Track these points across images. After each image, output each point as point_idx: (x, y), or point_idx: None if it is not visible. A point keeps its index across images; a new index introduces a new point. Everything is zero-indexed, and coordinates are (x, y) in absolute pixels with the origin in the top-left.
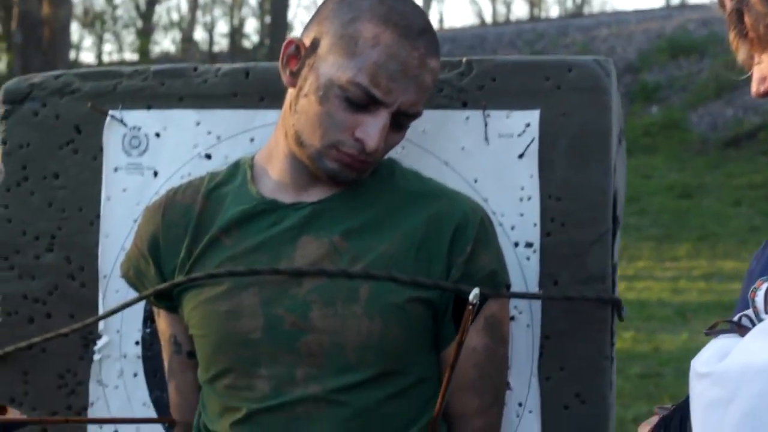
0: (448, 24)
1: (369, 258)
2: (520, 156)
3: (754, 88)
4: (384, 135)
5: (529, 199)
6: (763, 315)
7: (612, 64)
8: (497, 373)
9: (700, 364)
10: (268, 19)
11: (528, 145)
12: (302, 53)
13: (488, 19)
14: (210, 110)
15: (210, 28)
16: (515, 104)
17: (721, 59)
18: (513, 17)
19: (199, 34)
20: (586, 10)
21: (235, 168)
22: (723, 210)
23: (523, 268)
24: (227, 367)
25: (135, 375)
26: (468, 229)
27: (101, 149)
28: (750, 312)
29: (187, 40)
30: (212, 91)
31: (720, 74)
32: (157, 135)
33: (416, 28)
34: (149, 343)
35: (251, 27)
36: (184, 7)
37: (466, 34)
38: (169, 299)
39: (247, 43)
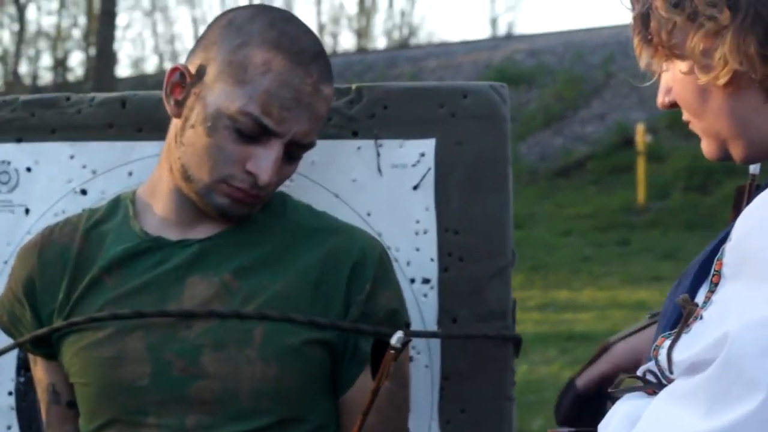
0: None
1: (262, 298)
2: (415, 187)
3: (660, 99)
4: (277, 167)
5: (425, 232)
6: (668, 374)
7: (507, 90)
8: (398, 417)
9: None
10: (93, 51)
11: (423, 176)
12: (187, 81)
13: None
14: (84, 142)
15: (35, 61)
16: (409, 133)
17: (549, 89)
18: (340, 49)
19: (23, 68)
20: (413, 41)
21: (116, 204)
22: (553, 240)
23: (421, 306)
24: (112, 417)
25: (9, 428)
26: (366, 267)
27: None
28: (653, 367)
29: (11, 73)
30: (87, 122)
31: (549, 104)
32: (29, 170)
33: (309, 53)
34: (24, 393)
35: (76, 60)
36: (8, 39)
37: None
38: (47, 345)
39: (71, 77)
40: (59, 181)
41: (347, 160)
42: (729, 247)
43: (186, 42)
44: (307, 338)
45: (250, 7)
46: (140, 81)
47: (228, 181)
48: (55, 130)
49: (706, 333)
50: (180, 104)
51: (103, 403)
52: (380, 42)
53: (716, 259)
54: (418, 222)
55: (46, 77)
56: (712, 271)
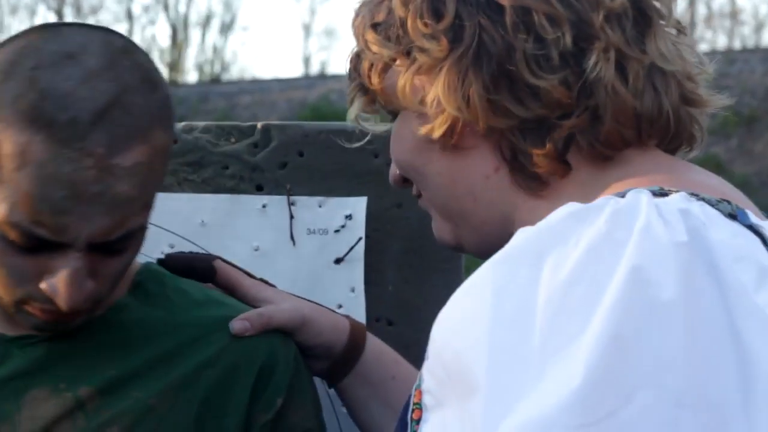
0: None
1: (129, 419)
2: (338, 261)
3: (391, 172)
4: (80, 281)
5: None
6: None
7: None
8: None
9: None
10: None
11: (351, 248)
12: None
13: None
14: None
15: None
16: (332, 189)
17: None
18: None
19: None
20: (225, 77)
21: None
22: None
23: (341, 422)
24: None
25: None
26: (277, 373)
27: None
28: None
29: None
30: None
31: None
32: None
33: (86, 116)
34: None
35: None
36: None
37: None
38: None
39: None
40: None
41: (248, 222)
42: (425, 370)
43: None
44: None
45: (15, 39)
46: None
47: (29, 302)
48: None
49: None
50: None
51: None
52: (191, 76)
53: (414, 389)
54: (340, 307)
55: None
56: (411, 406)
